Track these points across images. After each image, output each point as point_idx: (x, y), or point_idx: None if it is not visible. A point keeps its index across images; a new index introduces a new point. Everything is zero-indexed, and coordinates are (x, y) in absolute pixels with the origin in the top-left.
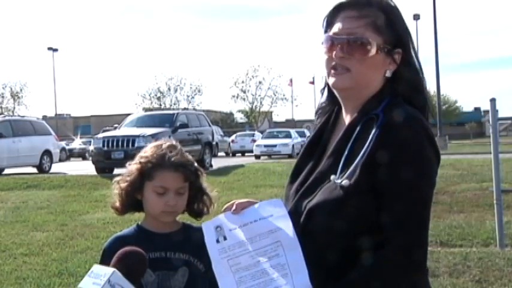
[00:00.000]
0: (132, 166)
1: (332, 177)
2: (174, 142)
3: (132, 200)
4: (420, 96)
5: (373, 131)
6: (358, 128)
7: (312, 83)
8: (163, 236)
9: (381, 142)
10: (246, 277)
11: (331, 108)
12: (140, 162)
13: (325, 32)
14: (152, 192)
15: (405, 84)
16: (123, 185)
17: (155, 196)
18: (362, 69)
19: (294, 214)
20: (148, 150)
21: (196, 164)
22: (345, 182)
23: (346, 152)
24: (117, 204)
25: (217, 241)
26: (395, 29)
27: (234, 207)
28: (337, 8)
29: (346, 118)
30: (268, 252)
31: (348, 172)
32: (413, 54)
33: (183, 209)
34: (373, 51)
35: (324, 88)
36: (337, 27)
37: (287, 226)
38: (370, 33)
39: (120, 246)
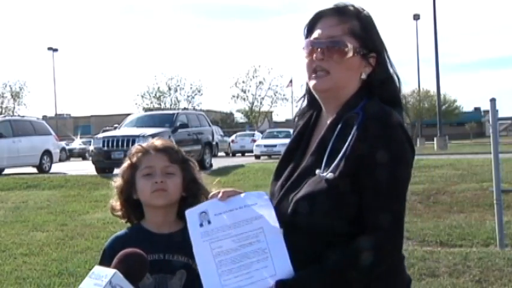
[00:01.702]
0: (124, 165)
1: (317, 171)
2: (163, 138)
3: (129, 199)
4: (394, 95)
5: (354, 127)
6: (339, 126)
7: None
8: (163, 237)
9: (363, 138)
10: (226, 260)
11: (310, 112)
12: (129, 158)
13: (306, 38)
14: (141, 178)
15: (380, 85)
16: (119, 183)
17: (144, 180)
18: (340, 71)
19: (281, 207)
20: None
21: (184, 153)
22: (330, 175)
23: (329, 148)
24: (118, 207)
25: (201, 225)
26: (369, 35)
27: (220, 195)
28: (317, 16)
29: (327, 118)
30: (250, 237)
31: (332, 166)
32: (387, 60)
33: (175, 192)
34: (350, 53)
35: (303, 96)
36: (317, 33)
37: (270, 214)
38: (347, 38)
39: (120, 246)
